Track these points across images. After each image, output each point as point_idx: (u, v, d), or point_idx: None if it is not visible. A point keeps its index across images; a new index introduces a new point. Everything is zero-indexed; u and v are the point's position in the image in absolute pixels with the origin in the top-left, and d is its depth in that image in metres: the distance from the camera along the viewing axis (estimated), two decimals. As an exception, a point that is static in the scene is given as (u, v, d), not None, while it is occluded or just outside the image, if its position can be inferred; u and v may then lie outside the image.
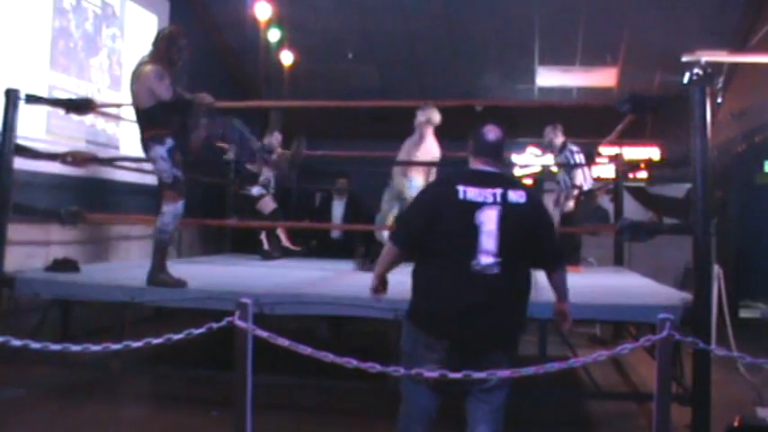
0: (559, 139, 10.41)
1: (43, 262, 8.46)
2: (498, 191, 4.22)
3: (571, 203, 10.26)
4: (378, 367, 4.15)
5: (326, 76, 16.88)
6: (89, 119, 10.36)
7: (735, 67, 13.65)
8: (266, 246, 11.21)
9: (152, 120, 6.78)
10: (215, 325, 4.67)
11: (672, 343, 4.50)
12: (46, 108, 9.18)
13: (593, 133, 12.09)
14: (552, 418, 7.04)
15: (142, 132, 6.91)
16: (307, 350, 4.40)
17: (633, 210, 13.52)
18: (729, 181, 14.00)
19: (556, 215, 10.64)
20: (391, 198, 9.07)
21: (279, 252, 10.98)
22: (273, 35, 14.81)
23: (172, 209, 6.84)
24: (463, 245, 4.16)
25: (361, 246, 12.19)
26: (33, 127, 9.12)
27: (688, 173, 6.30)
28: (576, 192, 10.27)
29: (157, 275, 6.87)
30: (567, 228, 10.19)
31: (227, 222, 11.66)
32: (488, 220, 4.15)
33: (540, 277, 4.60)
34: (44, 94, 9.05)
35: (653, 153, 16.93)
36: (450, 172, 4.49)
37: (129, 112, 7.78)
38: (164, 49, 6.89)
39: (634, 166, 13.73)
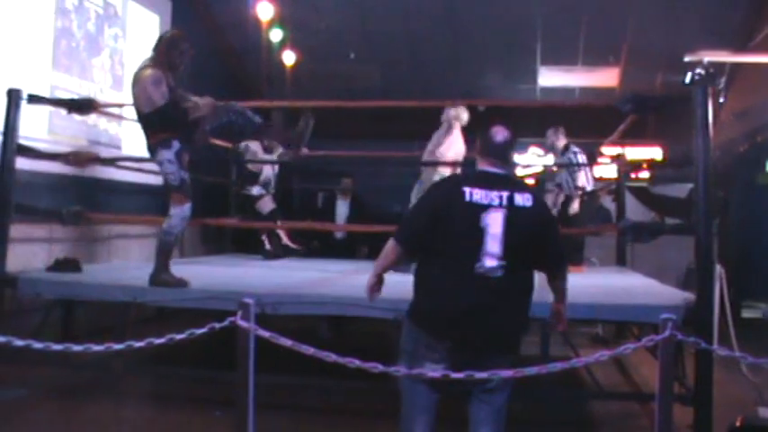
0: (561, 142, 10.41)
1: (45, 262, 8.46)
2: (505, 193, 4.19)
3: (576, 205, 10.25)
4: (380, 367, 4.15)
5: (328, 77, 16.88)
6: (91, 119, 10.37)
7: (737, 67, 13.66)
8: (268, 246, 11.22)
9: (155, 124, 6.79)
10: (217, 325, 4.66)
11: (674, 343, 4.50)
12: (48, 108, 9.19)
13: (595, 133, 12.09)
14: (554, 418, 7.04)
15: (148, 137, 6.92)
16: (309, 350, 4.39)
17: (635, 210, 13.50)
18: (731, 181, 13.98)
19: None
20: (420, 192, 9.07)
21: (280, 251, 10.99)
22: (275, 35, 14.82)
23: (179, 211, 6.85)
24: (467, 247, 4.13)
25: (364, 246, 12.21)
26: (35, 127, 9.13)
27: (690, 173, 6.31)
28: (579, 193, 10.27)
29: (160, 275, 6.87)
30: (570, 228, 10.20)
31: (228, 222, 11.67)
32: (494, 223, 4.12)
33: (540, 277, 4.59)
34: (46, 95, 9.06)
35: (655, 153, 16.91)
36: (456, 172, 4.49)
37: (131, 113, 7.79)
38: (164, 52, 6.90)
39: (636, 166, 13.73)
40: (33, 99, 7.73)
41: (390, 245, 4.45)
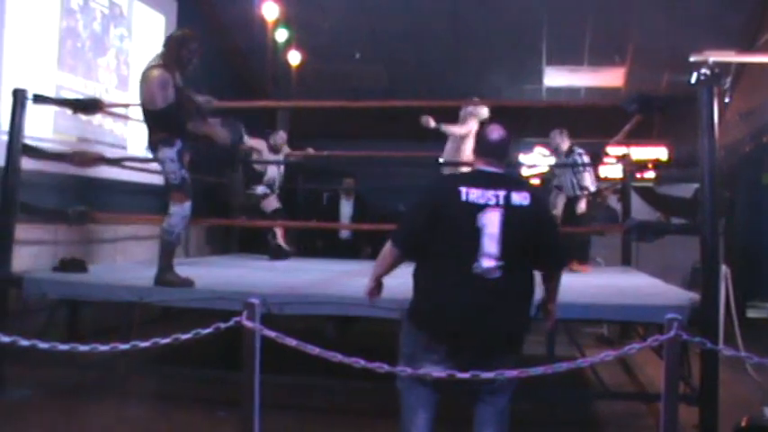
0: (565, 144, 10.40)
1: (50, 262, 8.46)
2: (501, 192, 4.16)
3: (583, 205, 10.25)
4: (385, 367, 4.15)
5: (334, 76, 16.90)
6: (96, 119, 10.38)
7: (742, 67, 13.66)
8: (282, 243, 11.23)
9: (158, 123, 6.80)
10: (222, 325, 4.67)
11: (679, 343, 4.49)
12: (53, 108, 9.20)
13: (600, 133, 12.08)
14: (560, 418, 7.04)
15: (150, 134, 6.93)
16: (314, 350, 4.39)
17: (641, 210, 13.50)
18: (737, 181, 13.97)
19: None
20: None
21: (279, 251, 11.03)
22: (281, 35, 14.85)
23: (179, 210, 6.85)
24: (464, 247, 4.11)
25: (368, 246, 12.21)
26: (41, 127, 9.14)
27: (696, 173, 6.30)
28: (585, 193, 10.27)
29: (165, 275, 6.87)
30: (575, 228, 10.20)
31: (233, 222, 11.68)
32: (490, 223, 4.10)
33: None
34: (51, 95, 9.08)
35: (661, 153, 16.91)
36: (453, 172, 4.47)
37: (137, 113, 7.78)
38: (174, 51, 6.89)
39: (642, 166, 13.72)
40: (39, 99, 7.73)
41: (387, 248, 4.43)
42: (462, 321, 4.11)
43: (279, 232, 11.07)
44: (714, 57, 11.22)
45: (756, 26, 13.65)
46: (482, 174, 4.33)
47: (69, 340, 5.91)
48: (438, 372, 4.15)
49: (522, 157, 16.30)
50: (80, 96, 9.55)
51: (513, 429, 4.36)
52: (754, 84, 13.65)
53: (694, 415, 5.94)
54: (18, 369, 6.99)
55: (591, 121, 12.15)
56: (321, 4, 14.73)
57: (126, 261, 10.32)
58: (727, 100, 14.20)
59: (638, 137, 14.23)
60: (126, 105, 10.32)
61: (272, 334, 4.58)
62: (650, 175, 15.12)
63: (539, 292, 4.56)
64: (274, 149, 10.92)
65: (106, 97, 10.47)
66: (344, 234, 12.98)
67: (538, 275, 4.50)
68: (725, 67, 12.55)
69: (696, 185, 7.49)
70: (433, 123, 9.04)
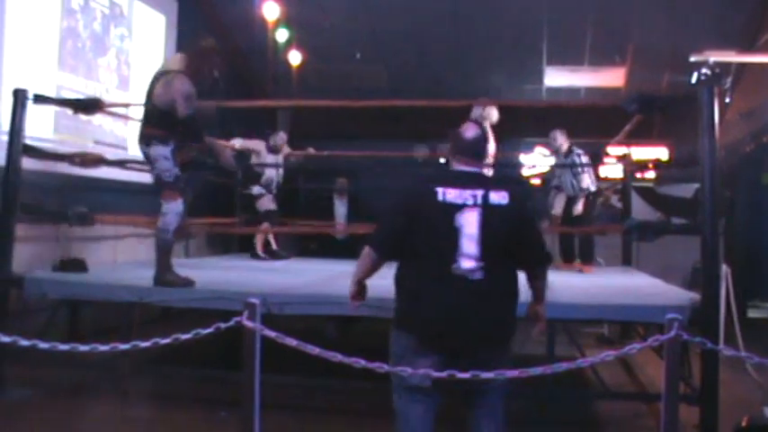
0: (564, 145, 10.40)
1: (51, 262, 8.46)
2: (479, 192, 4.13)
3: (580, 206, 10.26)
4: (385, 367, 4.14)
5: (334, 76, 16.91)
6: (97, 119, 10.38)
7: (743, 67, 13.65)
8: (274, 246, 11.25)
9: (162, 122, 6.80)
10: (223, 325, 4.66)
11: (680, 343, 4.49)
12: (54, 108, 9.20)
13: (601, 133, 12.10)
14: (560, 418, 7.03)
15: (146, 127, 6.95)
16: (315, 350, 4.39)
17: (641, 210, 13.51)
18: (737, 181, 13.97)
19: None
20: None
21: (276, 255, 11.09)
22: (281, 35, 14.86)
23: (173, 206, 6.85)
24: (443, 248, 4.08)
25: (365, 246, 12.22)
26: (41, 127, 9.15)
27: (696, 173, 6.30)
28: (583, 195, 10.28)
29: (165, 275, 6.87)
30: (573, 228, 10.21)
31: (231, 230, 11.70)
32: (468, 223, 4.07)
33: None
34: (52, 95, 9.08)
35: (661, 153, 16.91)
36: (429, 172, 4.42)
37: (138, 113, 7.77)
38: (197, 62, 6.91)
39: (642, 166, 13.72)
40: (39, 99, 7.73)
41: (365, 251, 4.40)
42: (447, 323, 4.08)
43: (259, 242, 11.09)
44: (714, 57, 11.22)
45: (757, 26, 13.64)
46: (459, 173, 4.31)
47: (69, 340, 5.92)
48: (425, 379, 4.12)
49: (523, 157, 16.29)
50: (80, 96, 9.55)
51: (514, 429, 4.36)
52: (754, 84, 13.65)
53: (695, 415, 5.95)
54: (18, 369, 6.99)
55: (591, 121, 12.16)
56: (321, 4, 14.73)
57: (126, 261, 10.31)
58: (727, 100, 14.20)
59: (638, 137, 14.24)
60: (126, 105, 10.33)
61: (272, 334, 4.58)
62: (651, 174, 15.11)
63: (526, 293, 4.54)
64: (274, 150, 10.93)
65: (107, 97, 10.46)
66: (340, 234, 13.00)
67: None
68: (725, 66, 12.54)
69: (696, 185, 7.49)
70: (426, 152, 8.93)
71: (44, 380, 7.28)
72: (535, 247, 4.36)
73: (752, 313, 12.04)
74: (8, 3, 8.94)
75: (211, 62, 7.04)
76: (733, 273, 8.65)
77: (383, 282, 4.48)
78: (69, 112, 8.47)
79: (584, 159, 10.26)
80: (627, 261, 11.28)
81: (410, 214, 4.17)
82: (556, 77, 17.08)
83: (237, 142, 10.66)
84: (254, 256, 11.03)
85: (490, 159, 8.65)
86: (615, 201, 12.60)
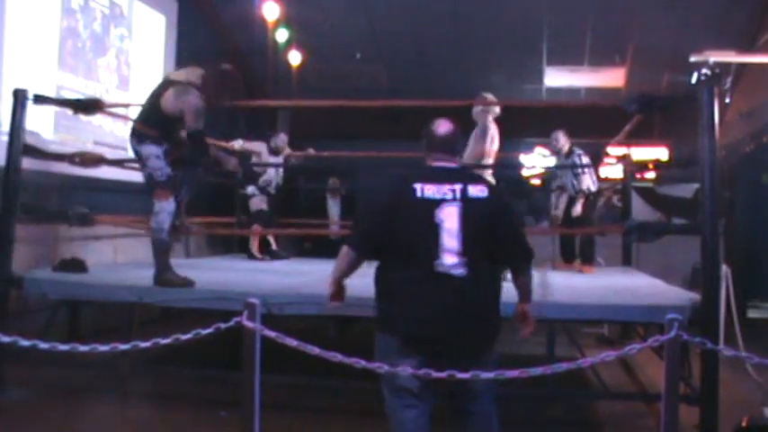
0: (566, 145, 10.40)
1: (51, 262, 8.46)
2: (458, 186, 4.13)
3: (579, 207, 10.25)
4: (385, 367, 4.13)
5: (334, 77, 16.93)
6: (97, 119, 10.37)
7: (743, 67, 13.66)
8: (274, 246, 11.25)
9: (160, 124, 6.82)
10: (223, 325, 4.66)
11: (680, 343, 4.49)
12: (54, 108, 9.20)
13: (600, 133, 12.09)
14: (560, 419, 7.04)
15: (141, 124, 6.99)
16: (314, 350, 4.39)
17: (641, 210, 13.52)
18: (737, 181, 13.98)
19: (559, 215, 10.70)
20: None
21: (283, 252, 11.09)
22: (281, 35, 14.86)
23: (165, 205, 6.85)
24: (424, 245, 4.06)
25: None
26: (41, 127, 9.15)
27: (696, 173, 6.29)
28: (582, 196, 10.27)
29: (164, 275, 6.87)
30: (574, 229, 10.21)
31: (226, 231, 11.71)
32: (448, 218, 4.06)
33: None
34: (52, 95, 9.07)
35: (661, 153, 16.92)
36: (407, 170, 4.38)
37: (137, 113, 7.77)
38: (213, 86, 6.92)
39: (642, 166, 13.73)
40: (39, 99, 7.72)
41: (343, 250, 4.38)
42: (430, 323, 4.06)
43: (254, 243, 11.10)
44: (714, 57, 11.21)
45: (756, 26, 13.65)
46: (436, 169, 4.30)
47: (69, 340, 5.91)
48: (413, 381, 4.11)
49: (522, 158, 16.30)
50: (81, 96, 9.54)
51: (514, 429, 4.36)
52: (754, 84, 13.66)
53: (695, 415, 5.94)
54: (18, 369, 6.98)
55: (591, 122, 12.15)
56: (321, 4, 14.74)
57: (126, 261, 10.31)
58: (727, 100, 14.21)
59: (638, 137, 14.24)
60: (126, 105, 10.32)
61: (272, 334, 4.58)
62: (651, 175, 15.12)
63: (513, 293, 4.51)
64: (275, 152, 10.92)
65: (107, 97, 10.46)
66: (335, 234, 13.01)
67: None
68: (725, 67, 12.55)
69: (696, 185, 7.48)
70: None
71: (44, 380, 7.27)
72: (516, 242, 4.34)
73: (752, 313, 12.05)
74: (8, 3, 8.94)
75: (227, 87, 7.05)
76: (733, 273, 8.64)
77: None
78: (69, 112, 8.46)
79: (585, 160, 10.26)
80: (627, 261, 11.28)
81: (389, 212, 4.15)
82: (556, 77, 17.09)
83: (238, 143, 10.66)
84: (251, 256, 11.02)
85: (493, 155, 8.61)
86: (616, 200, 12.60)
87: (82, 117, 9.23)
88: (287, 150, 11.23)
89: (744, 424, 5.43)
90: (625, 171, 12.00)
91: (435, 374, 4.04)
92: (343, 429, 6.67)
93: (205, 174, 7.63)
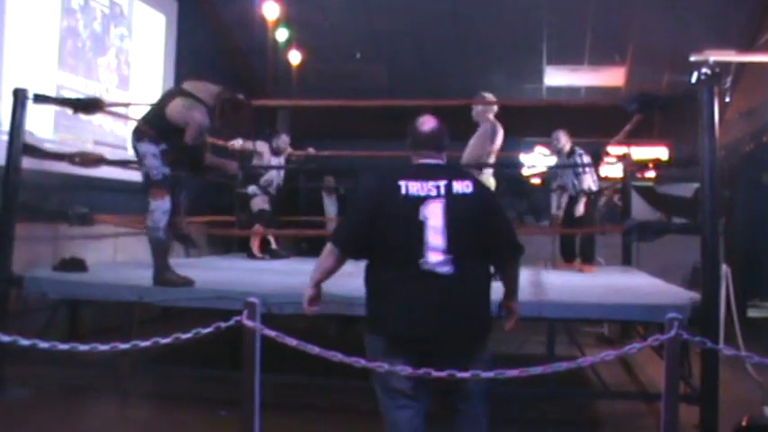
0: (567, 145, 10.40)
1: (51, 261, 8.46)
2: (442, 182, 4.10)
3: (581, 207, 10.25)
4: (385, 367, 4.12)
5: (334, 76, 16.92)
6: (97, 119, 10.37)
7: (743, 66, 13.65)
8: (274, 245, 11.25)
9: (161, 127, 6.84)
10: (223, 324, 4.67)
11: (680, 342, 4.49)
12: (54, 108, 9.20)
13: (600, 133, 12.08)
14: (560, 418, 7.04)
15: (144, 123, 7.03)
16: (315, 350, 4.38)
17: (641, 209, 13.52)
18: (737, 181, 13.98)
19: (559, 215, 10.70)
20: None
21: (276, 254, 11.10)
22: (281, 35, 14.84)
23: (160, 204, 6.85)
24: (409, 243, 4.03)
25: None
26: (41, 127, 9.15)
27: (696, 172, 6.29)
28: (584, 195, 10.27)
29: (164, 275, 6.87)
30: (574, 228, 10.21)
31: (231, 232, 11.71)
32: (433, 215, 4.03)
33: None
34: (52, 94, 9.07)
35: (661, 153, 16.90)
36: (390, 169, 4.36)
37: (138, 113, 7.78)
38: (223, 112, 7.00)
39: (642, 165, 13.72)
40: (39, 99, 7.73)
41: (327, 249, 4.36)
42: (416, 323, 4.04)
43: (254, 243, 11.11)
44: (714, 56, 11.20)
45: (756, 26, 13.64)
46: (421, 167, 4.27)
47: (69, 340, 5.93)
48: (407, 382, 4.10)
49: (523, 157, 16.28)
50: (81, 96, 9.54)
51: (514, 429, 4.36)
52: (754, 83, 13.65)
53: (695, 414, 5.94)
54: (18, 369, 6.99)
55: (591, 121, 12.13)
56: (321, 3, 14.73)
57: (126, 261, 10.31)
58: (727, 99, 14.20)
59: (638, 136, 14.24)
60: (126, 105, 10.33)
61: (272, 333, 4.58)
62: (651, 174, 15.11)
63: (500, 289, 4.48)
64: (276, 152, 10.93)
65: (107, 97, 10.47)
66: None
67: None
68: (725, 66, 12.54)
69: (696, 185, 7.50)
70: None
71: (44, 379, 7.27)
72: (504, 237, 4.27)
73: (752, 313, 12.05)
74: (8, 3, 8.94)
75: (239, 118, 7.17)
76: (733, 272, 8.65)
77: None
78: (69, 111, 8.46)
79: (586, 160, 10.26)
80: (627, 261, 11.29)
81: (374, 211, 4.13)
82: (556, 77, 17.08)
83: (238, 143, 10.67)
84: (251, 256, 11.03)
85: (495, 152, 8.59)
86: (616, 200, 12.61)
87: (82, 116, 9.24)
88: (288, 151, 11.24)
89: (744, 423, 5.42)
90: (625, 170, 12.00)
91: (435, 373, 4.00)
92: (344, 429, 6.67)
93: (203, 177, 7.62)
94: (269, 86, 15.66)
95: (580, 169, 10.23)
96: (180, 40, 13.15)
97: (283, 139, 11.12)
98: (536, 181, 17.07)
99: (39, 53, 9.51)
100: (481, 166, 8.35)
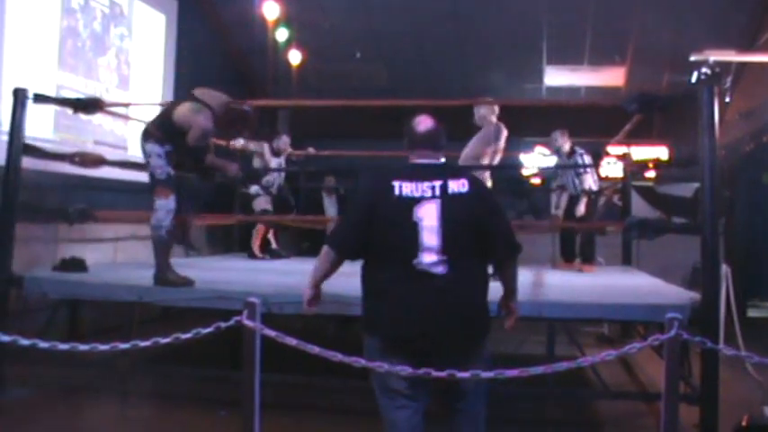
0: (567, 145, 10.40)
1: (51, 262, 8.46)
2: (437, 182, 4.07)
3: (582, 207, 10.25)
4: (385, 367, 4.12)
5: (334, 76, 16.92)
6: (97, 118, 10.38)
7: (743, 66, 13.65)
8: (274, 245, 11.26)
9: (166, 129, 6.86)
10: (223, 324, 4.66)
11: (680, 342, 4.49)
12: (54, 108, 9.21)
13: (600, 133, 12.08)
14: (560, 418, 7.04)
15: (152, 123, 7.08)
16: (314, 349, 4.38)
17: (641, 209, 13.52)
18: (737, 181, 13.98)
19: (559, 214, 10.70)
20: None
21: (276, 253, 11.12)
22: (281, 35, 14.85)
23: (164, 203, 6.86)
24: (403, 244, 4.01)
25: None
26: (41, 127, 9.15)
27: (696, 172, 6.29)
28: (585, 195, 10.27)
29: (164, 275, 6.88)
30: (574, 227, 10.21)
31: (226, 220, 11.72)
32: (428, 215, 4.00)
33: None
34: (52, 94, 9.08)
35: (661, 153, 16.91)
36: (387, 169, 4.33)
37: (137, 112, 7.82)
38: (229, 121, 7.10)
39: (642, 165, 13.73)
40: (39, 98, 7.72)
41: (324, 251, 4.34)
42: (411, 325, 4.02)
43: (256, 242, 11.12)
44: (714, 56, 11.20)
45: (756, 26, 13.65)
46: (416, 167, 4.25)
47: (69, 339, 5.92)
48: (404, 383, 4.09)
49: (522, 157, 16.27)
50: (81, 96, 9.54)
51: (514, 429, 4.36)
52: (754, 83, 13.65)
53: (695, 414, 5.94)
54: (18, 368, 6.99)
55: (591, 121, 12.12)
56: (321, 3, 14.74)
57: (126, 261, 10.31)
58: (727, 99, 14.20)
59: (638, 136, 14.25)
60: (126, 105, 10.33)
61: (272, 333, 4.58)
62: (651, 174, 15.12)
63: (499, 289, 4.44)
64: (276, 153, 10.93)
65: (107, 97, 10.48)
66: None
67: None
68: (725, 66, 12.54)
69: (696, 185, 7.48)
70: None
71: (44, 379, 7.27)
72: (501, 235, 4.20)
73: (752, 313, 12.05)
74: (8, 3, 8.94)
75: (245, 128, 7.40)
76: (733, 272, 8.65)
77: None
78: (69, 111, 8.47)
79: (587, 160, 10.26)
80: (627, 260, 11.29)
81: (369, 212, 4.11)
82: (556, 77, 17.08)
83: (239, 142, 10.67)
84: (252, 256, 11.05)
85: (499, 152, 8.57)
86: (616, 200, 12.60)
87: (82, 116, 9.24)
88: (288, 151, 11.25)
89: (744, 423, 5.43)
90: (625, 170, 12.00)
91: (435, 373, 3.99)
92: (343, 429, 6.67)
93: (205, 178, 7.65)
94: (269, 86, 15.67)
95: (581, 169, 10.22)
96: (180, 40, 13.16)
97: (284, 140, 11.13)
98: (536, 181, 17.07)
99: (39, 53, 9.52)
100: (476, 168, 8.36)
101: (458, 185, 4.09)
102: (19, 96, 7.39)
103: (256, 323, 4.63)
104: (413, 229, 4.00)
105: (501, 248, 4.23)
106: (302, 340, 4.45)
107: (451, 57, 16.34)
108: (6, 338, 4.26)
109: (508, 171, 14.57)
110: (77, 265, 7.95)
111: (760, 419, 5.83)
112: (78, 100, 8.41)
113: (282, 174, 11.25)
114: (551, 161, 11.97)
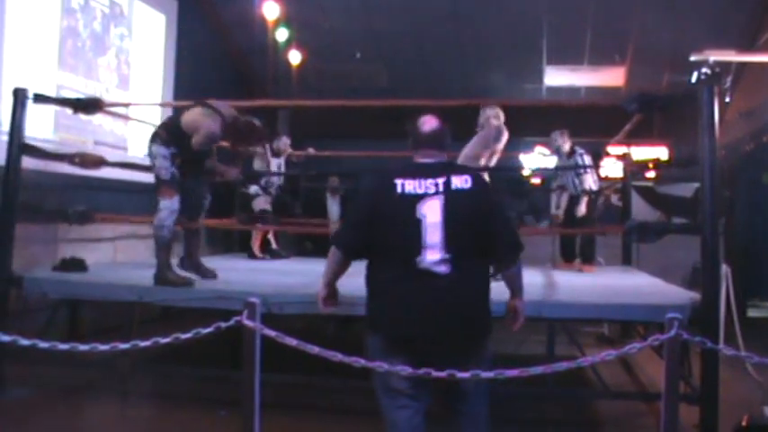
0: (567, 145, 10.39)
1: (51, 261, 8.46)
2: (440, 179, 4.04)
3: (583, 207, 10.24)
4: (385, 366, 4.11)
5: (334, 76, 16.93)
6: (97, 118, 10.38)
7: (743, 66, 13.66)
8: (274, 245, 11.26)
9: (172, 131, 6.89)
10: (223, 324, 4.66)
11: (680, 342, 4.48)
12: (54, 108, 9.20)
13: (600, 133, 12.08)
14: (560, 418, 7.04)
15: (160, 126, 7.19)
16: (314, 349, 4.38)
17: (641, 209, 13.52)
18: (737, 181, 13.98)
19: (560, 215, 10.71)
20: None
21: (276, 253, 11.12)
22: (281, 35, 14.85)
23: (168, 204, 6.87)
24: (405, 242, 3.99)
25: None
26: (41, 127, 9.15)
27: (696, 172, 6.29)
28: (586, 195, 10.27)
29: (165, 275, 6.88)
30: (575, 228, 10.20)
31: (225, 223, 11.72)
32: (431, 212, 3.97)
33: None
34: (52, 94, 9.07)
35: (661, 153, 16.90)
36: (392, 167, 4.32)
37: (137, 112, 7.83)
38: (236, 131, 7.13)
39: (642, 165, 13.72)
40: (39, 98, 7.72)
41: (331, 251, 4.34)
42: (414, 324, 4.01)
43: (255, 243, 11.12)
44: (714, 56, 11.21)
45: (756, 26, 13.65)
46: (419, 165, 4.23)
47: (69, 339, 5.92)
48: (405, 382, 4.08)
49: (522, 157, 16.27)
50: (81, 96, 9.54)
51: (514, 429, 4.36)
52: (754, 83, 13.65)
53: (695, 414, 5.94)
54: (18, 368, 6.99)
55: (591, 121, 12.13)
56: (321, 3, 14.75)
57: (126, 261, 10.31)
58: (727, 99, 14.21)
59: (638, 136, 14.25)
60: (126, 105, 10.33)
61: (272, 333, 4.58)
62: (651, 174, 15.11)
63: (499, 289, 4.42)
64: (276, 154, 10.94)
65: (107, 97, 10.48)
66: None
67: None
68: (725, 66, 12.55)
69: (696, 185, 7.49)
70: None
71: (44, 379, 7.27)
72: (504, 233, 4.17)
73: (752, 313, 12.06)
74: (8, 3, 8.94)
75: (251, 141, 7.44)
76: (733, 272, 8.65)
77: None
78: (69, 111, 8.47)
79: (587, 160, 10.26)
80: (627, 260, 11.28)
81: (372, 211, 4.10)
82: (556, 77, 17.08)
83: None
84: (252, 256, 11.05)
85: (498, 152, 8.57)
86: (616, 200, 12.60)
87: (82, 116, 9.23)
88: (288, 151, 11.25)
89: (744, 423, 5.42)
90: (625, 170, 12.00)
91: (436, 373, 3.97)
92: (343, 429, 6.67)
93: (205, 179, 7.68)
94: (269, 86, 15.68)
95: (581, 169, 10.22)
96: (180, 40, 13.16)
97: (284, 141, 11.13)
98: (536, 181, 17.07)
99: (39, 53, 9.52)
100: (479, 169, 8.35)
101: (461, 181, 4.07)
102: (19, 96, 7.39)
103: (256, 323, 4.62)
104: (416, 226, 3.98)
105: (503, 247, 4.20)
106: (302, 340, 4.44)
107: (451, 57, 16.35)
108: (6, 338, 4.26)
109: (507, 172, 14.55)
110: (77, 265, 7.95)
111: (760, 419, 5.83)
112: (78, 100, 8.41)
113: (282, 173, 11.25)
114: (551, 161, 11.97)
